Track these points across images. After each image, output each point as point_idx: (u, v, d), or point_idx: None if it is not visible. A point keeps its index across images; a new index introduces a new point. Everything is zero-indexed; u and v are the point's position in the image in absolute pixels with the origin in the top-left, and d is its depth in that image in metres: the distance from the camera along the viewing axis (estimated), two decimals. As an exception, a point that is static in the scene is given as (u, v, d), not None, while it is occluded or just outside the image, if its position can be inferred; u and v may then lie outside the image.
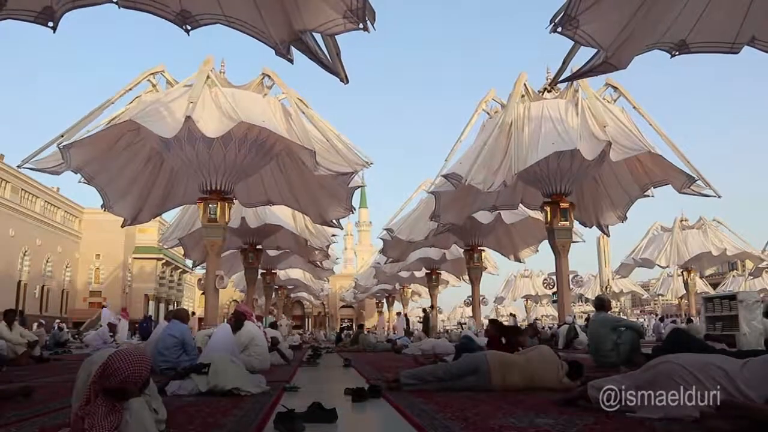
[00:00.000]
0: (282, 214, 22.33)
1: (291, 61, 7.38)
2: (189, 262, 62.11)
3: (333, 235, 24.55)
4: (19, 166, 14.55)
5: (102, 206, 17.19)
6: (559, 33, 7.50)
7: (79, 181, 15.70)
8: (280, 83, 15.59)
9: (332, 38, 7.29)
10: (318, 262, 28.04)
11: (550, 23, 7.51)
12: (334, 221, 18.62)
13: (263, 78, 15.68)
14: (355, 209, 17.68)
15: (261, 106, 14.96)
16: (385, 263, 30.53)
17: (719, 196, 15.93)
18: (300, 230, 23.08)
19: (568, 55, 8.60)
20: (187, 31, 7.22)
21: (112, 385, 2.79)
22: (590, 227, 19.47)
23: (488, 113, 18.06)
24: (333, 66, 7.45)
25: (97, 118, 14.52)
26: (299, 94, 15.84)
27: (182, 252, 29.83)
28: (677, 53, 8.01)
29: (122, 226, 19.29)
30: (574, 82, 15.94)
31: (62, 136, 13.92)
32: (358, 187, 16.31)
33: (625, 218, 18.74)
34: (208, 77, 14.75)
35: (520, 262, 27.34)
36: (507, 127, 15.80)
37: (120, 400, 2.79)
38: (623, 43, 7.64)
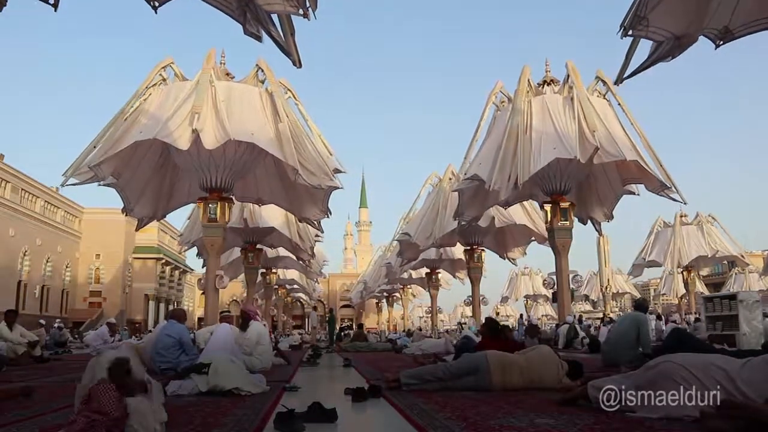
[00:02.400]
0: (276, 214, 22.49)
1: (259, 39, 7.34)
2: (189, 262, 62.43)
3: (316, 236, 24.83)
4: (62, 185, 15.10)
5: (123, 210, 17.32)
6: (630, 36, 7.67)
7: (100, 184, 15.70)
8: (270, 77, 15.85)
9: (288, 18, 7.23)
10: (306, 262, 28.26)
11: (621, 28, 7.69)
12: (313, 222, 18.87)
13: (258, 71, 16.04)
14: (331, 213, 17.98)
15: (254, 109, 15.25)
16: (401, 265, 31.18)
17: (685, 203, 17.19)
18: (291, 232, 23.41)
19: (629, 50, 8.72)
20: (155, 8, 7.14)
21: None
22: (585, 224, 19.58)
23: (497, 105, 18.51)
24: (286, 46, 7.39)
25: (117, 122, 14.99)
26: (290, 84, 16.29)
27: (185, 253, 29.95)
28: (721, 42, 8.00)
29: (137, 229, 19.52)
30: (570, 79, 16.82)
31: (95, 147, 14.51)
32: (336, 188, 16.45)
33: (612, 217, 18.92)
34: (211, 77, 15.05)
35: (511, 261, 27.62)
36: (515, 131, 16.28)
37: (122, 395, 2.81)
38: (690, 28, 7.78)
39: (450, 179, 24.81)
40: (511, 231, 24.48)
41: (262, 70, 15.94)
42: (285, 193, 17.89)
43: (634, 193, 17.91)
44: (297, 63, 7.63)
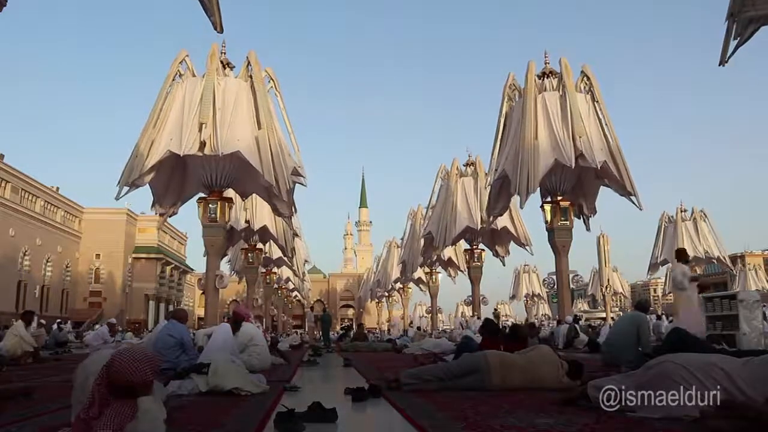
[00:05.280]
0: (269, 213, 22.71)
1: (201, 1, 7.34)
2: (189, 262, 62.35)
3: (295, 235, 25.12)
4: (117, 197, 15.84)
5: (152, 204, 17.68)
6: (739, 19, 8.09)
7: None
8: (257, 72, 16.36)
9: None
10: (288, 259, 28.48)
11: (729, 16, 8.13)
12: (284, 217, 19.16)
13: (248, 65, 16.56)
14: (296, 210, 18.32)
15: (243, 109, 15.81)
16: (422, 263, 31.81)
17: (641, 209, 18.06)
18: (277, 230, 23.62)
19: (727, 32, 8.89)
20: None
21: (119, 383, 2.76)
22: (579, 218, 19.71)
23: (510, 97, 19.03)
24: (210, 6, 7.37)
25: (149, 127, 15.79)
26: (274, 75, 16.88)
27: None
28: None
29: (162, 222, 20.06)
30: (563, 78, 17.54)
31: (136, 156, 15.33)
32: (298, 183, 16.90)
33: (595, 210, 19.17)
34: (214, 82, 15.67)
35: (501, 260, 27.90)
36: (527, 136, 16.82)
37: (129, 398, 2.78)
38: None
39: (456, 174, 25.24)
40: (499, 234, 25.29)
41: (250, 64, 16.49)
42: (264, 188, 18.18)
43: (610, 187, 18.22)
44: (217, 26, 7.52)
